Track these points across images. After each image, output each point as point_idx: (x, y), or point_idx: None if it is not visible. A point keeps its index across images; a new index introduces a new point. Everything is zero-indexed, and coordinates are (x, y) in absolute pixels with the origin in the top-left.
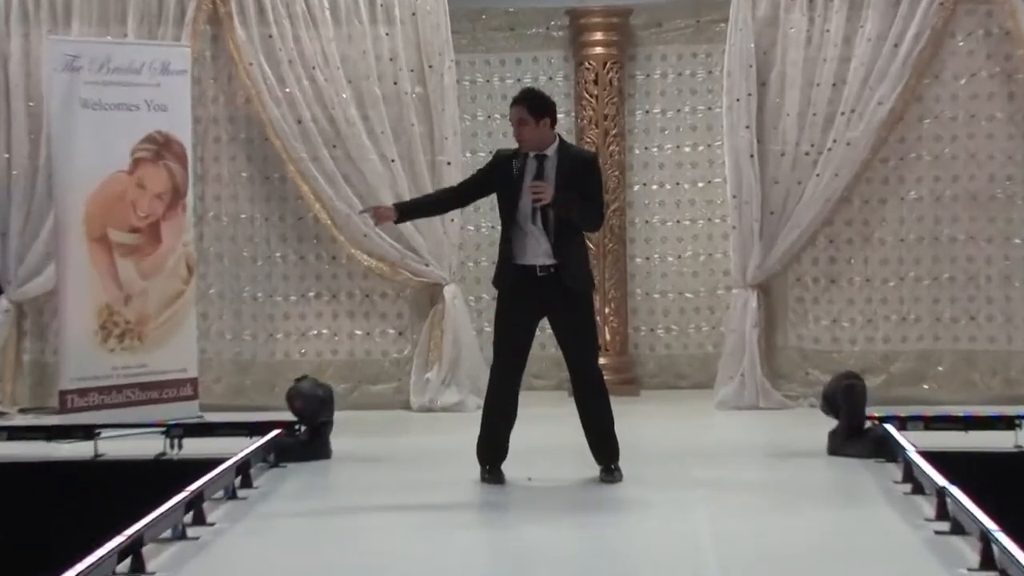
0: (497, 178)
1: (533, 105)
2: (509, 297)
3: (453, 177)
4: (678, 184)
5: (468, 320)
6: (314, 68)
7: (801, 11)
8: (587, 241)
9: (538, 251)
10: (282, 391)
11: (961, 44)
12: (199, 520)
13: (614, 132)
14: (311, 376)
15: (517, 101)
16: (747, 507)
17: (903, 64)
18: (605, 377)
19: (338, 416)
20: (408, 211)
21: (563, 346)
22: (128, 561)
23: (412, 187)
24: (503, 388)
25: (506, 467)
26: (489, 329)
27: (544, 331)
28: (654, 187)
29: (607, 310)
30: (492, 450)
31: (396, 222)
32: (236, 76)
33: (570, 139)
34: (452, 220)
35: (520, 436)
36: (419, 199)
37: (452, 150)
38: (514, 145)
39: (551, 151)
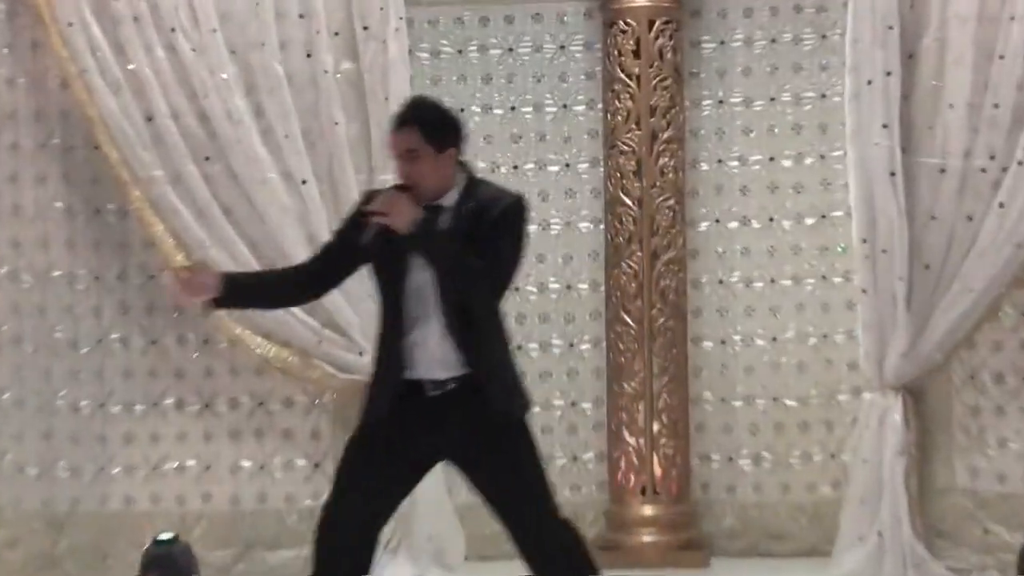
0: (357, 240)
1: (431, 125)
2: (378, 429)
3: None
4: (771, 220)
5: None
6: (174, 31)
7: None
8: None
9: (436, 357)
10: (119, 562)
11: None
12: None
13: (666, 136)
14: (173, 538)
15: (403, 121)
16: None
17: None
18: (652, 535)
19: None
20: (241, 287)
21: (496, 503)
22: None
23: (335, 223)
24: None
25: None
26: None
27: None
28: (732, 225)
29: (655, 427)
30: None
31: (217, 304)
32: (46, 45)
33: (594, 147)
34: None
35: None
36: (263, 272)
37: None
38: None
39: (451, 199)
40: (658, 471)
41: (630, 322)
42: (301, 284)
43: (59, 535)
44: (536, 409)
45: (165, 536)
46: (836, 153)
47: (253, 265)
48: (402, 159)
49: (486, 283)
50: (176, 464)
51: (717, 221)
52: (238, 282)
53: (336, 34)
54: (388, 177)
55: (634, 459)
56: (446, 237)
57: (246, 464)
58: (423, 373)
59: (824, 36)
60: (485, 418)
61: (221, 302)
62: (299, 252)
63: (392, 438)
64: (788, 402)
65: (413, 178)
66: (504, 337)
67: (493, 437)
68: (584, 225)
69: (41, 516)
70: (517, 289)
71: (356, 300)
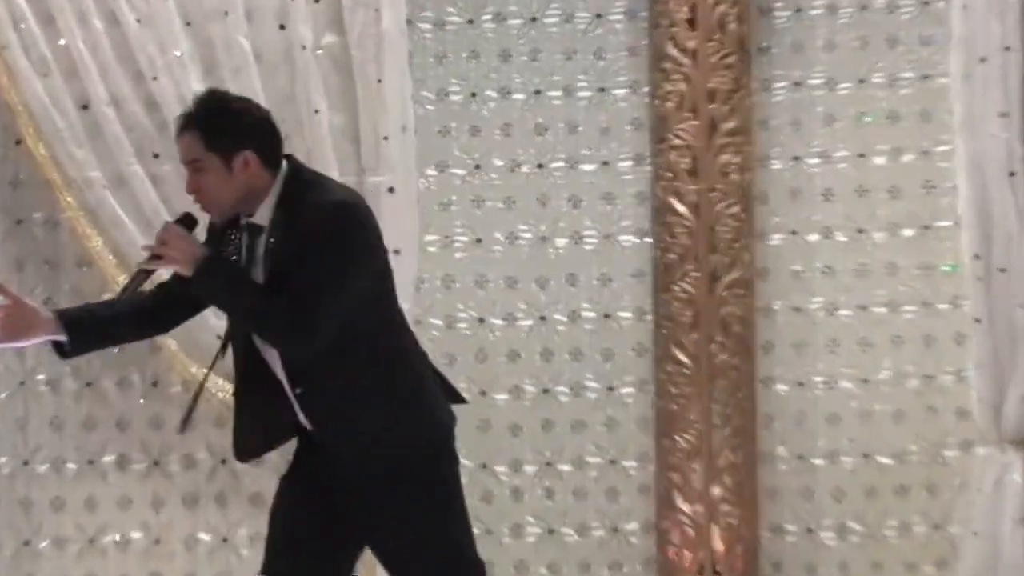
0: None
1: (213, 128)
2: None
3: (400, 221)
4: (861, 232)
5: None
6: None
7: None
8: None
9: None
10: None
11: None
12: None
13: (730, 126)
14: None
15: (182, 125)
16: None
17: None
18: None
19: None
20: (84, 326)
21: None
22: None
23: None
24: None
25: None
26: (477, 530)
27: None
28: (812, 238)
29: (716, 491)
30: None
31: (66, 352)
32: None
33: (639, 140)
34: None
35: None
36: (98, 305)
37: (399, 162)
38: None
39: (263, 214)
40: (719, 546)
41: (684, 359)
42: (142, 320)
43: None
44: (566, 467)
45: None
46: (942, 148)
47: None
48: (188, 170)
49: (292, 329)
50: (118, 536)
51: (793, 233)
52: (83, 315)
53: (316, 1)
54: (381, 179)
55: (690, 531)
56: (235, 276)
57: (205, 537)
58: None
59: (926, 2)
60: (356, 474)
61: (74, 347)
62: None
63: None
64: (882, 459)
65: (202, 193)
66: (374, 379)
67: (374, 494)
68: (626, 239)
69: None
70: (543, 318)
71: None
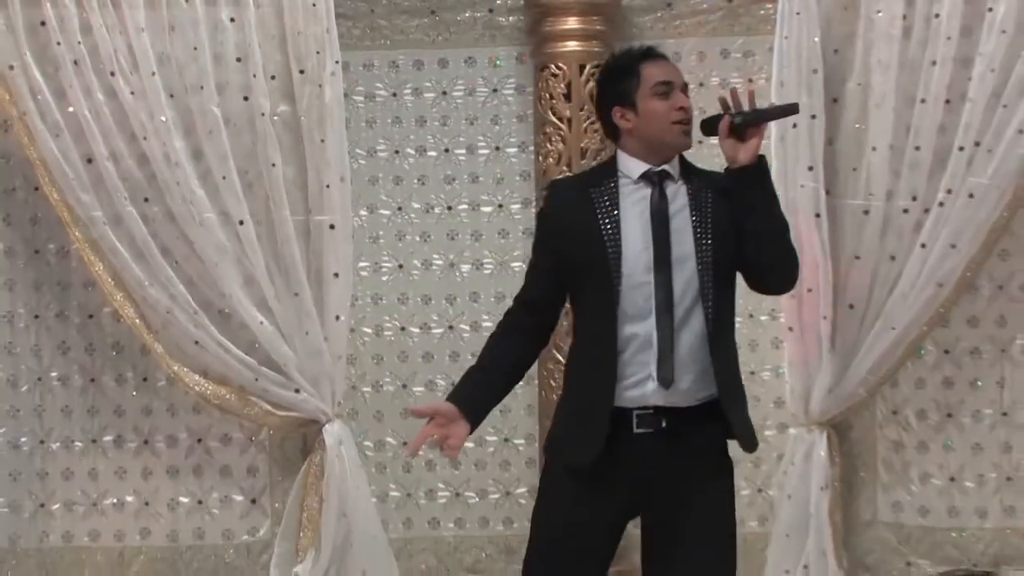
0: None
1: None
2: (577, 477)
3: (339, 251)
4: None
5: (364, 480)
6: (114, 74)
7: None
8: None
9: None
10: None
11: None
12: None
13: None
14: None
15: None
16: None
17: None
18: None
19: None
20: (479, 400)
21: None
22: None
23: (272, 264)
24: None
25: None
26: (399, 494)
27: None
28: None
29: None
30: None
31: (472, 429)
32: None
33: (526, 188)
34: (339, 318)
35: None
36: (483, 368)
37: (338, 205)
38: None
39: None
40: None
41: (561, 360)
42: (533, 332)
43: None
44: (469, 444)
45: None
46: None
47: (190, 301)
48: (678, 89)
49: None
50: (115, 500)
51: None
52: (474, 392)
53: (273, 78)
54: (324, 218)
55: None
56: (771, 183)
57: (184, 500)
58: (638, 398)
59: (750, 80)
60: (710, 449)
61: (476, 421)
62: (236, 291)
63: (593, 490)
64: None
65: (688, 112)
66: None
67: (713, 474)
68: (516, 265)
69: None
70: (451, 328)
71: (291, 334)
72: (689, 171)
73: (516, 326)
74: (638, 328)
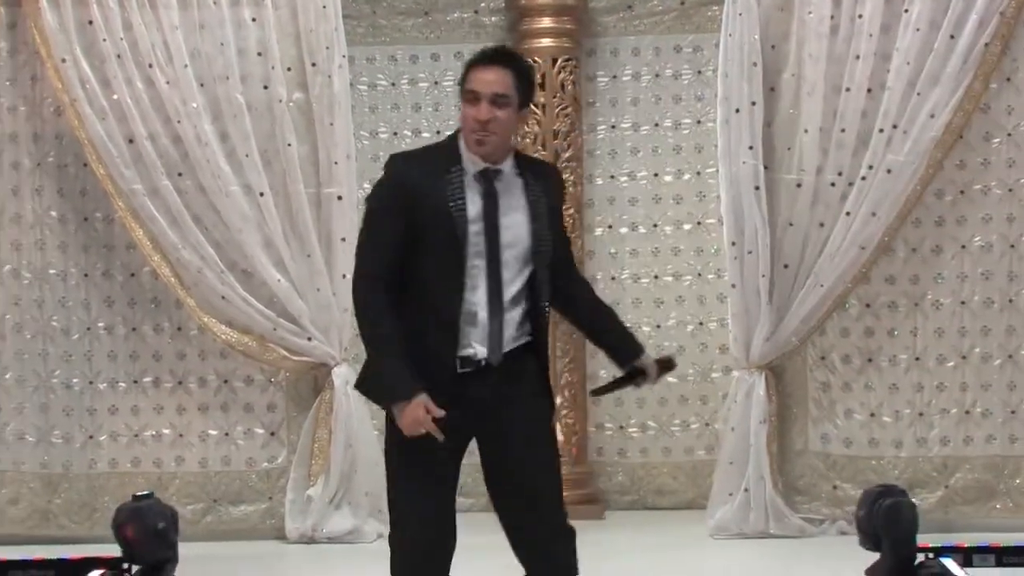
0: (430, 207)
1: (522, 73)
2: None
3: (346, 219)
4: (655, 227)
5: (367, 415)
6: (151, 66)
7: None
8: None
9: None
10: (106, 516)
11: None
12: None
13: (568, 155)
14: (148, 494)
15: (498, 61)
16: None
17: (963, 62)
18: None
19: (185, 549)
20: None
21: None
22: None
23: (288, 229)
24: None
25: None
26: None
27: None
28: (623, 230)
29: (559, 401)
30: None
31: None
32: (43, 78)
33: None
34: (344, 276)
35: None
36: (400, 353)
37: (345, 179)
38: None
39: (510, 162)
40: (561, 438)
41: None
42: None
43: (54, 493)
44: None
45: (140, 493)
46: (710, 170)
47: (218, 262)
48: (486, 101)
49: None
50: (154, 432)
51: (610, 227)
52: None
53: (289, 69)
54: (333, 190)
55: None
56: None
57: (213, 432)
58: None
59: (699, 72)
60: (522, 384)
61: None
62: (257, 253)
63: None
64: (670, 380)
65: (493, 123)
66: None
67: (527, 404)
68: None
69: (38, 477)
70: None
71: (305, 290)
72: (522, 165)
73: (390, 302)
74: (474, 298)
